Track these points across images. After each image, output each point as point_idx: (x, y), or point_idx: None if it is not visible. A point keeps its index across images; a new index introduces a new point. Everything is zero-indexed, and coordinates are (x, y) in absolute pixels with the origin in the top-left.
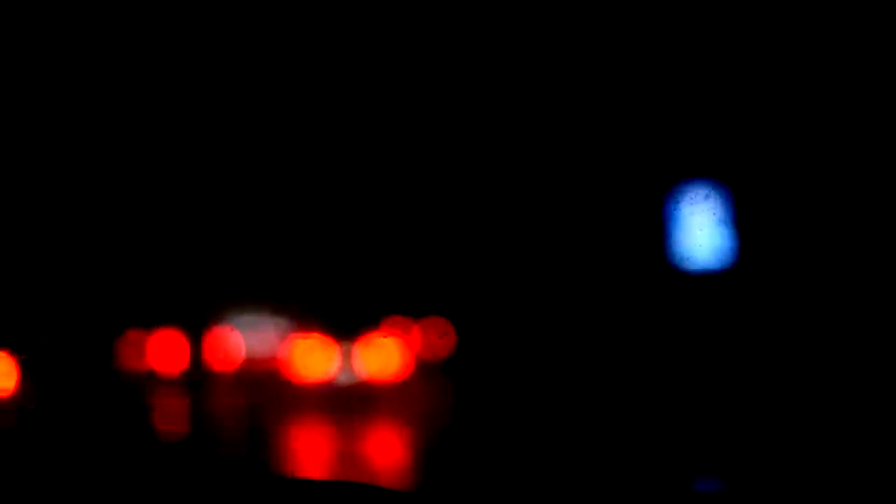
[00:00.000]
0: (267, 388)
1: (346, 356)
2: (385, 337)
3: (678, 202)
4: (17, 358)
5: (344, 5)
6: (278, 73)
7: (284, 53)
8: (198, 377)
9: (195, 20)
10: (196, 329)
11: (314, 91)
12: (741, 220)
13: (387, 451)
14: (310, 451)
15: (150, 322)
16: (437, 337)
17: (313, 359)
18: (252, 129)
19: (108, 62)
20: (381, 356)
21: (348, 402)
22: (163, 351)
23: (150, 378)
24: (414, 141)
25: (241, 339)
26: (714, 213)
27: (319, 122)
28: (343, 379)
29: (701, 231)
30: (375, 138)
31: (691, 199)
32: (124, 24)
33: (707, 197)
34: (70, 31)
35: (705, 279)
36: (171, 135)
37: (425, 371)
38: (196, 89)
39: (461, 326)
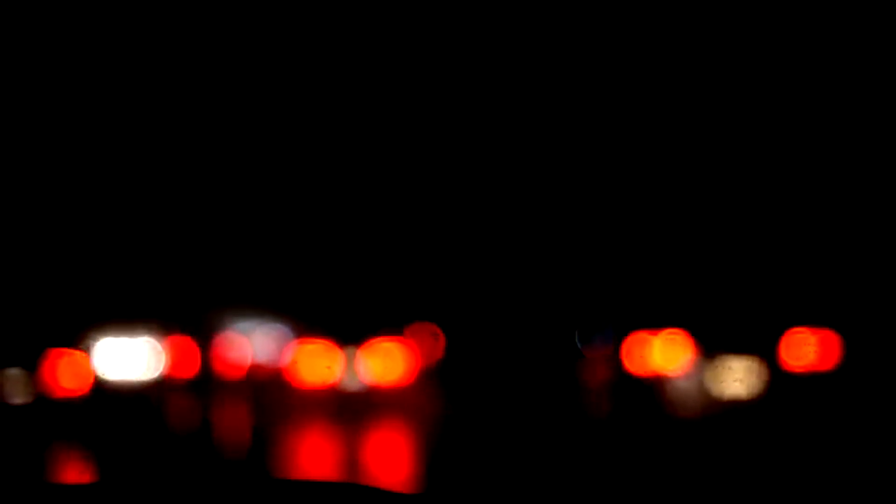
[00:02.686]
0: (273, 393)
1: (351, 361)
2: (388, 342)
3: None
4: (91, 360)
5: (344, 5)
6: (283, 85)
7: (297, 65)
8: (207, 382)
9: (195, 20)
10: (206, 336)
11: (318, 107)
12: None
13: (391, 455)
14: (314, 455)
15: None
16: (430, 337)
17: (318, 364)
18: (263, 145)
19: (109, 63)
20: (386, 361)
21: (353, 407)
22: (176, 356)
23: (164, 382)
24: (416, 151)
25: (248, 346)
26: None
27: (325, 139)
28: (348, 384)
29: None
30: (379, 152)
31: None
32: (124, 24)
33: None
34: (70, 31)
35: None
36: (180, 146)
37: (419, 375)
38: (202, 100)
39: (451, 331)
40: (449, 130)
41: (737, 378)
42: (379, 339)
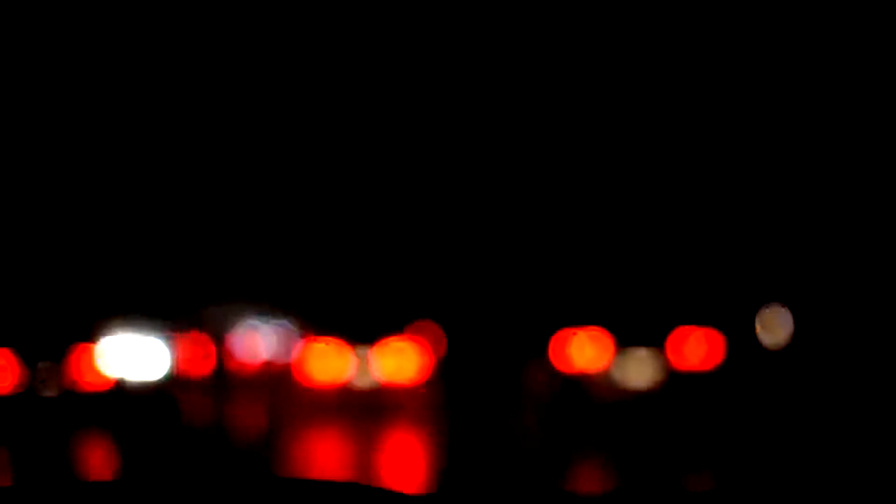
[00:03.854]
0: (284, 391)
1: (363, 360)
2: (401, 341)
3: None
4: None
5: (344, 5)
6: (289, 85)
7: (306, 65)
8: (222, 379)
9: (195, 20)
10: (220, 333)
11: (323, 107)
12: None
13: (404, 454)
14: (324, 452)
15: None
16: (433, 335)
17: (329, 362)
18: (274, 148)
19: (109, 64)
20: (399, 360)
21: (364, 405)
22: (190, 354)
23: (178, 379)
24: (422, 154)
25: (261, 343)
26: None
27: (337, 144)
28: (360, 382)
29: None
30: (387, 154)
31: None
32: (124, 24)
33: None
34: (70, 31)
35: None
36: (199, 149)
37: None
38: (210, 100)
39: (452, 330)
40: (451, 132)
41: (641, 370)
42: (391, 337)
